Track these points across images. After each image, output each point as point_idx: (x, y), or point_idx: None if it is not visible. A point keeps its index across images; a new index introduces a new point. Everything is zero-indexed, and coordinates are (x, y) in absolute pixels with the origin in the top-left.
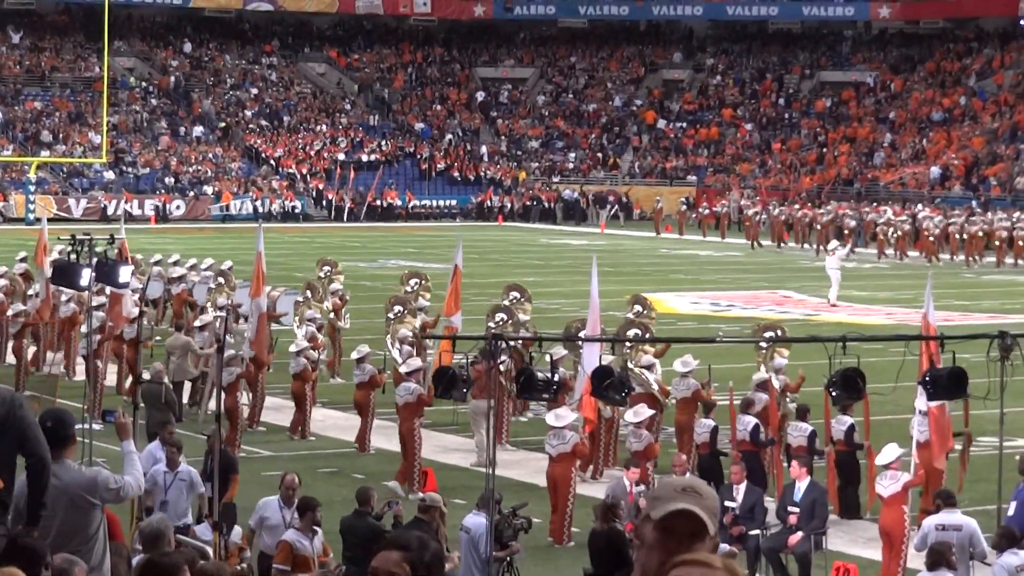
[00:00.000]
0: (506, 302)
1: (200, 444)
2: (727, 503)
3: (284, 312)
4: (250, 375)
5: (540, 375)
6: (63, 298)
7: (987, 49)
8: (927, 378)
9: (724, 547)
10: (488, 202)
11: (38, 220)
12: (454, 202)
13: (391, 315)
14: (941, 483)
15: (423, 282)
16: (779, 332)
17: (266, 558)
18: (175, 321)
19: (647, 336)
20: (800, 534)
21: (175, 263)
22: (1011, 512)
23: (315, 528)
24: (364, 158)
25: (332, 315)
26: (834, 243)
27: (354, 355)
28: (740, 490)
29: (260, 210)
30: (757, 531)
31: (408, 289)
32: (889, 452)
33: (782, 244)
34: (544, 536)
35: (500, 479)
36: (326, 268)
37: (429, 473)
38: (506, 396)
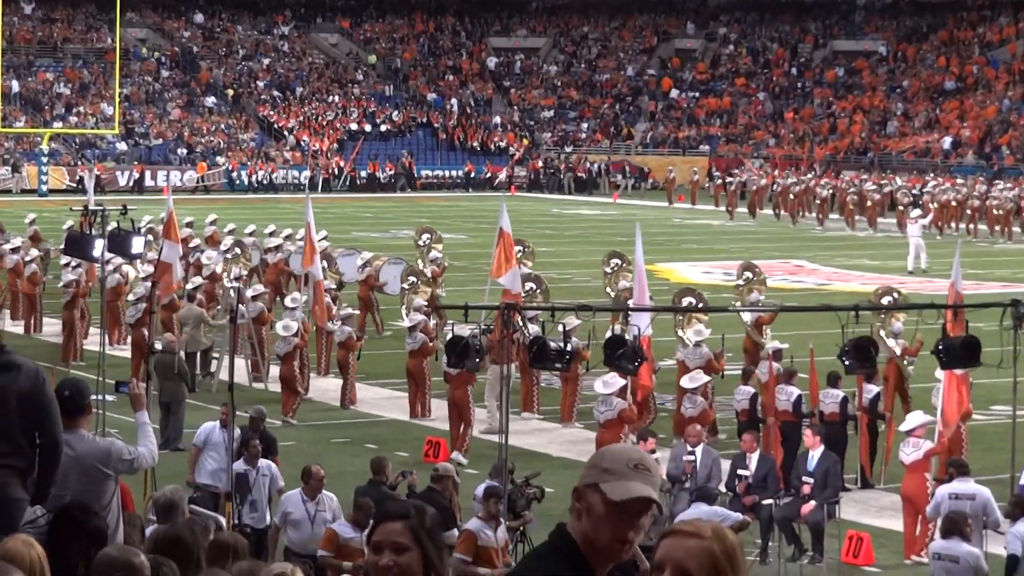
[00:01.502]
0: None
1: (212, 414)
2: (740, 472)
3: (385, 281)
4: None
5: (553, 345)
6: (109, 268)
7: (1001, 18)
8: (940, 347)
9: (738, 516)
10: (500, 174)
11: (51, 191)
12: (462, 172)
13: (405, 285)
14: (962, 452)
15: (435, 235)
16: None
17: (291, 555)
18: (269, 291)
19: (700, 305)
20: (813, 503)
21: (271, 233)
22: (1023, 481)
23: (499, 519)
24: (379, 128)
25: (432, 282)
26: (916, 212)
27: (406, 323)
28: (753, 459)
29: (273, 181)
30: (770, 500)
31: (420, 243)
32: (912, 419)
33: (788, 215)
34: (557, 505)
35: (512, 448)
36: (425, 236)
37: (442, 443)
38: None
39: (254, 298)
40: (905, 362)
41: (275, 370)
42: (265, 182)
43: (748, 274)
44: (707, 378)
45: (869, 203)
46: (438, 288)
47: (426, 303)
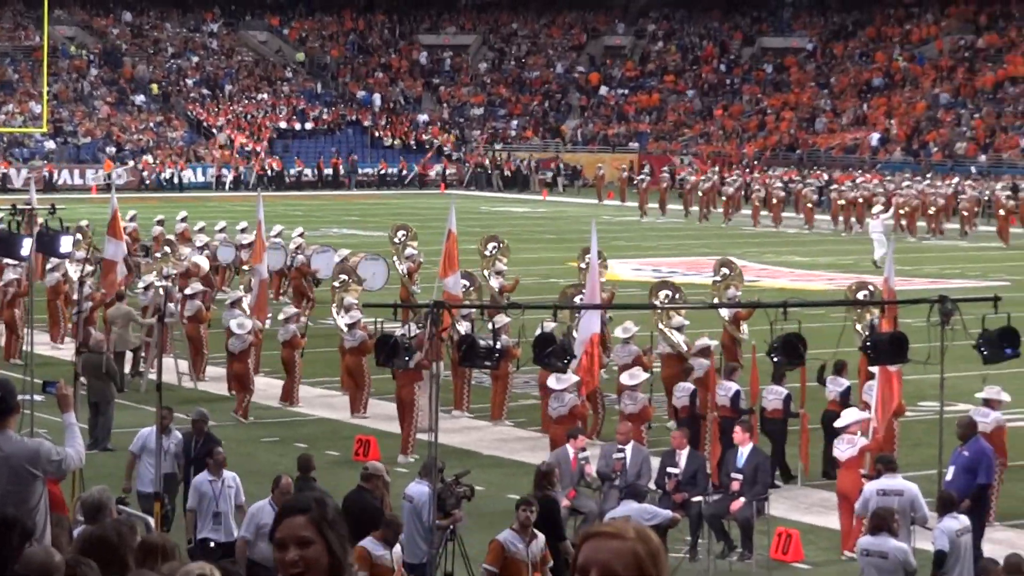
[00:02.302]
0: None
1: (141, 414)
2: (669, 469)
3: (364, 278)
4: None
5: (482, 343)
6: (48, 267)
7: (927, 14)
8: (868, 343)
9: (668, 514)
10: (432, 171)
11: None
12: (394, 170)
13: (336, 283)
14: (893, 447)
15: (410, 231)
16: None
17: (261, 568)
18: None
19: (679, 299)
20: (742, 500)
21: (243, 230)
22: (949, 477)
23: (533, 531)
24: (307, 126)
25: (407, 278)
26: (878, 207)
27: (345, 320)
28: (683, 456)
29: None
30: (699, 497)
31: (396, 240)
32: (847, 416)
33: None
34: (487, 504)
35: (442, 447)
36: (400, 233)
37: (372, 442)
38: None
39: (191, 297)
40: None
41: (214, 370)
42: (175, 180)
43: (725, 270)
44: (647, 375)
45: (808, 203)
46: (413, 284)
47: (356, 301)
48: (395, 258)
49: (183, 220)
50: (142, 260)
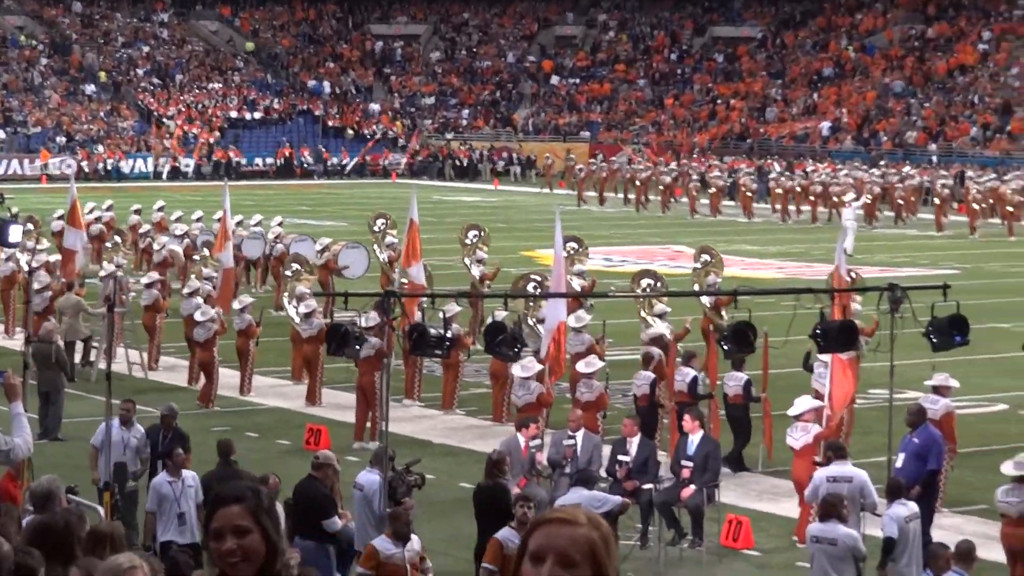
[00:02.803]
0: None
1: (92, 404)
2: (620, 457)
3: (346, 265)
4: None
5: (433, 332)
6: (2, 256)
7: (877, 4)
8: (818, 331)
9: (617, 500)
10: (383, 160)
11: None
12: (346, 159)
13: (288, 272)
14: (840, 435)
15: (390, 220)
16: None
17: None
18: (183, 281)
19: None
20: (693, 487)
21: (257, 224)
22: (899, 464)
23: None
24: (257, 116)
25: (387, 266)
26: (850, 195)
27: (302, 309)
28: (633, 444)
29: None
30: (650, 485)
31: (375, 229)
32: (801, 404)
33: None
34: (438, 492)
35: (392, 436)
36: (380, 221)
37: (323, 431)
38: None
39: (149, 286)
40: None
41: (168, 360)
42: (113, 170)
43: (706, 256)
44: (602, 363)
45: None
46: (393, 272)
47: (309, 291)
48: (375, 246)
49: (160, 210)
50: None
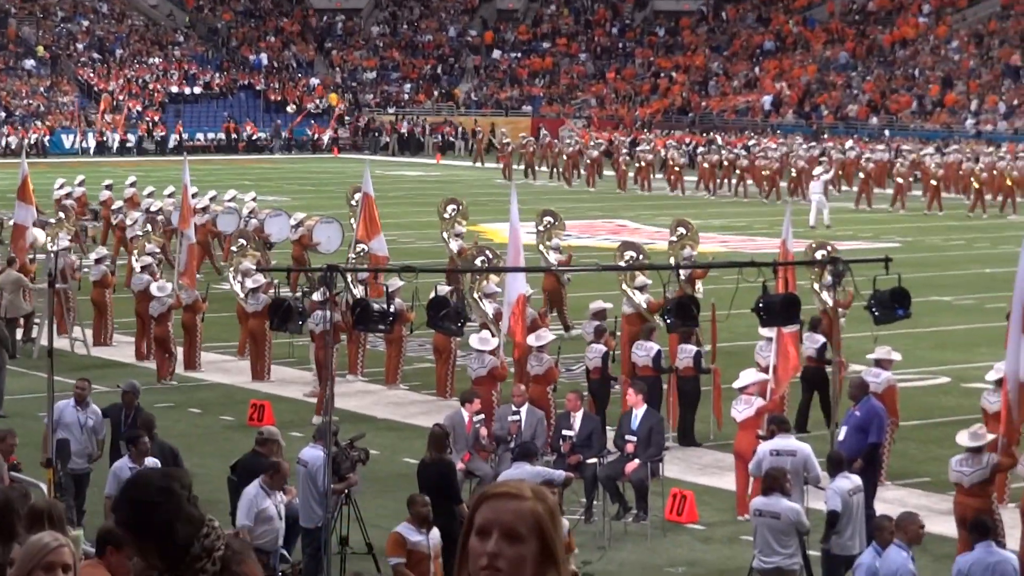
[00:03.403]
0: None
1: (34, 380)
2: (564, 432)
3: (319, 240)
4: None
5: (376, 306)
6: None
7: None
8: (760, 304)
9: (561, 474)
10: (321, 134)
11: None
12: (286, 134)
13: (235, 248)
14: (783, 409)
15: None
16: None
17: (259, 553)
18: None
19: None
20: (637, 462)
21: (231, 199)
22: (841, 437)
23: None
24: (198, 91)
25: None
26: (819, 169)
27: (248, 284)
28: (577, 418)
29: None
30: (594, 459)
31: (353, 203)
32: (745, 376)
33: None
34: (381, 467)
35: (336, 411)
36: (358, 196)
37: (266, 406)
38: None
39: (99, 261)
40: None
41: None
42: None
43: (681, 229)
44: (552, 336)
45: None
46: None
47: (254, 267)
48: (352, 221)
49: (132, 185)
50: (89, 224)
